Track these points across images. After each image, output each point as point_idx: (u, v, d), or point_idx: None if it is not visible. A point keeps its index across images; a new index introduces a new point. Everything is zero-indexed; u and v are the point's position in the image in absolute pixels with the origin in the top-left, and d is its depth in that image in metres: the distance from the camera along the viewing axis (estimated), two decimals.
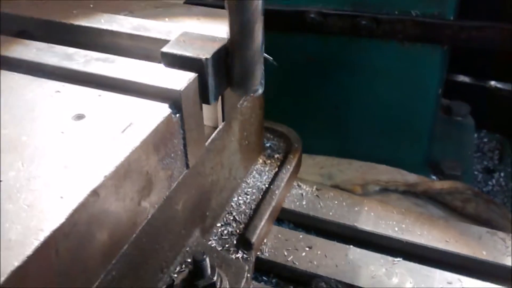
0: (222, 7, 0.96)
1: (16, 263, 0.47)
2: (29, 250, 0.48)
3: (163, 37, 0.80)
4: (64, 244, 0.52)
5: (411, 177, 1.41)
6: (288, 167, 1.03)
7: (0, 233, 0.50)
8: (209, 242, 0.89)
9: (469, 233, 0.97)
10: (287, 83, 1.42)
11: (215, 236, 0.91)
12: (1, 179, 0.56)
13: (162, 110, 0.67)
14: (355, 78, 1.38)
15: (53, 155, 0.59)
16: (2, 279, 0.46)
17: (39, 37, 0.84)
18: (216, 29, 0.84)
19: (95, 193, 0.55)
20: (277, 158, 1.08)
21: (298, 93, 1.47)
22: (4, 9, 0.89)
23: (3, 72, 0.75)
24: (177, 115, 0.69)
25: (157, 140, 0.65)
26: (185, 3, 1.36)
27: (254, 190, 1.00)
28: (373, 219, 0.99)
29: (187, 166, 0.75)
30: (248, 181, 1.02)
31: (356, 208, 1.01)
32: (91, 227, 0.56)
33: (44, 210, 0.53)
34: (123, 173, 0.59)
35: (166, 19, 0.89)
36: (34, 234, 0.50)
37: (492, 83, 1.75)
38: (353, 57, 1.35)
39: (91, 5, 0.94)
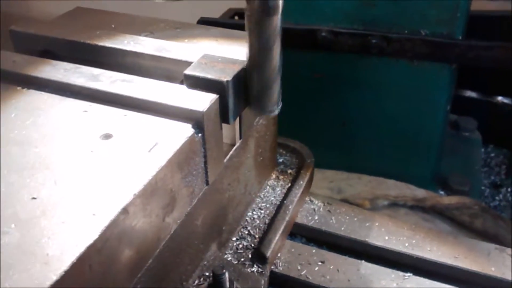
0: (235, 26, 1.00)
1: (54, 277, 0.50)
2: (65, 265, 0.51)
3: (184, 58, 0.84)
4: (96, 259, 0.55)
5: (420, 192, 1.43)
6: (301, 182, 1.06)
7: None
8: (225, 256, 0.92)
9: (478, 249, 0.99)
10: (297, 99, 1.45)
11: (230, 250, 0.93)
12: (36, 197, 0.59)
13: (185, 130, 0.70)
14: (364, 95, 1.41)
15: (84, 174, 0.63)
16: None
17: (62, 57, 0.88)
18: (234, 50, 0.87)
19: (125, 210, 0.58)
20: (290, 173, 1.11)
21: (308, 108, 1.50)
22: (29, 29, 0.93)
23: (32, 91, 0.78)
24: (199, 134, 0.72)
25: (181, 159, 0.68)
26: (198, 23, 1.41)
27: (268, 205, 1.03)
28: (384, 234, 1.02)
29: (207, 182, 0.78)
30: (262, 196, 1.05)
31: (367, 224, 1.04)
32: (121, 242, 0.59)
33: (78, 226, 0.56)
34: (150, 191, 0.62)
35: (186, 40, 0.93)
36: (70, 249, 0.53)
37: (499, 98, 1.77)
38: (363, 74, 1.38)
39: (113, 25, 0.98)
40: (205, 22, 1.41)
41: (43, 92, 0.78)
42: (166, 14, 1.04)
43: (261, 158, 1.01)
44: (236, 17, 1.69)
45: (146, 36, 0.93)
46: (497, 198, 1.63)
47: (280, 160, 1.14)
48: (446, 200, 1.43)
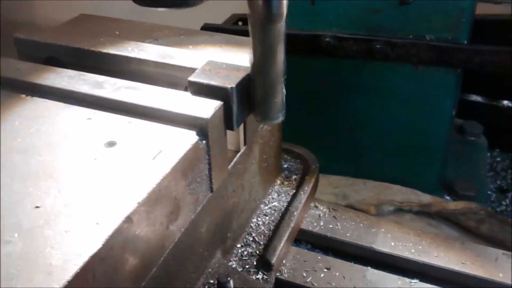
0: (240, 32, 0.99)
1: (58, 287, 0.50)
2: (69, 275, 0.51)
3: (188, 65, 0.83)
4: (100, 268, 0.55)
5: (425, 198, 1.42)
6: (306, 188, 1.06)
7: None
8: (230, 263, 0.91)
9: (485, 255, 0.99)
10: (301, 104, 1.45)
11: (235, 257, 0.93)
12: (39, 206, 0.59)
13: (190, 137, 0.70)
14: (369, 100, 1.40)
15: (87, 182, 0.62)
16: None
17: (66, 64, 0.88)
18: (238, 56, 0.87)
19: (129, 219, 0.58)
20: (295, 179, 1.11)
21: (312, 114, 1.49)
22: (33, 36, 0.93)
23: (36, 99, 0.78)
24: (204, 141, 0.71)
25: (185, 166, 0.68)
26: (202, 29, 1.41)
27: (272, 211, 1.02)
28: (390, 240, 1.01)
29: (211, 189, 0.77)
30: (267, 202, 1.04)
31: (373, 230, 1.03)
32: (124, 251, 0.59)
33: (81, 236, 0.55)
34: (154, 199, 0.62)
35: (190, 46, 0.93)
36: (73, 259, 0.52)
37: (505, 102, 1.76)
38: (367, 79, 1.37)
39: (117, 32, 0.98)
40: (209, 28, 1.41)
41: (47, 100, 0.78)
42: (169, 20, 1.04)
43: (266, 164, 1.01)
44: (240, 23, 1.69)
45: (150, 42, 0.93)
46: (503, 203, 1.62)
47: (285, 166, 1.14)
48: (452, 205, 1.42)
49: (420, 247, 1.00)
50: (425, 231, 1.07)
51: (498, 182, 1.69)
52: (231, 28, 1.54)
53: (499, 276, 0.94)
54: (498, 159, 1.76)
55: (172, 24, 1.03)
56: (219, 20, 1.64)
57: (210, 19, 1.49)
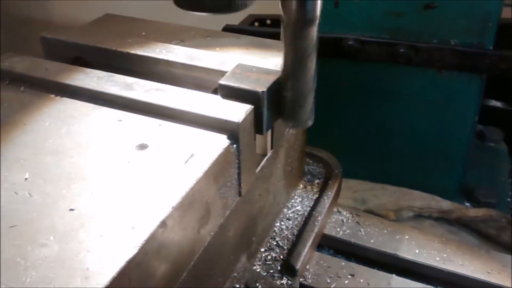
0: (262, 34, 0.99)
1: None
2: (106, 280, 0.50)
3: (216, 67, 0.83)
4: (136, 273, 0.54)
5: (445, 204, 1.41)
6: (329, 193, 1.05)
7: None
8: (254, 267, 0.90)
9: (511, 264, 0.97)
10: (322, 107, 1.43)
11: (259, 261, 0.92)
12: (73, 208, 0.58)
13: (221, 141, 0.69)
14: (390, 105, 1.39)
15: (121, 185, 0.62)
16: None
17: (93, 64, 0.88)
18: (265, 59, 0.87)
19: (163, 223, 0.57)
20: (317, 183, 1.10)
21: (333, 117, 1.48)
22: (59, 36, 0.93)
23: (66, 99, 0.78)
24: (234, 145, 0.71)
25: (217, 171, 0.67)
26: (223, 30, 1.40)
27: (296, 215, 1.02)
28: (414, 247, 1.00)
29: (240, 194, 0.77)
30: (290, 207, 1.04)
31: (397, 236, 1.02)
32: (159, 256, 0.58)
33: (116, 240, 0.55)
34: (187, 203, 0.62)
35: (217, 48, 0.92)
36: (110, 263, 0.52)
37: None
38: (390, 83, 1.36)
39: (143, 33, 0.98)
40: (230, 29, 1.40)
41: (76, 100, 0.77)
42: (186, 20, 1.03)
43: (290, 168, 1.00)
44: (256, 23, 1.69)
45: (176, 44, 0.93)
46: None
47: (307, 170, 1.13)
48: (473, 212, 1.40)
49: (445, 255, 0.98)
50: (449, 239, 1.06)
51: None
52: (253, 30, 1.53)
53: None
54: None
55: (189, 24, 1.02)
56: (234, 20, 1.62)
57: (226, 20, 1.47)
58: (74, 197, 0.60)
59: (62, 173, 0.64)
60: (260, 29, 1.55)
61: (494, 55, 1.22)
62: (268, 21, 1.71)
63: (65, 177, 0.63)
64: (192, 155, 0.66)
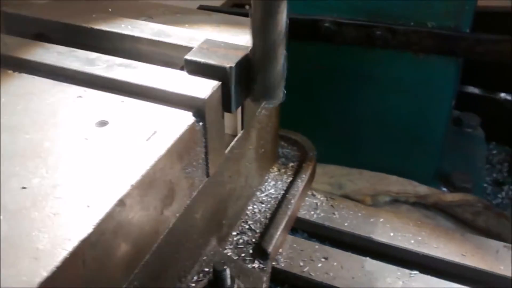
0: (237, 14, 0.96)
1: (45, 274, 0.46)
2: (57, 260, 0.47)
3: (184, 43, 0.80)
4: (90, 254, 0.51)
5: (422, 189, 1.40)
6: (304, 176, 1.03)
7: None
8: (225, 251, 0.88)
9: (486, 247, 0.97)
10: (298, 91, 1.41)
11: (230, 245, 0.90)
12: (26, 186, 0.55)
13: (186, 118, 0.66)
14: (367, 88, 1.37)
15: (77, 162, 0.59)
16: None
17: (57, 40, 0.84)
18: (237, 36, 0.83)
19: (121, 202, 0.54)
20: (292, 166, 1.08)
21: (309, 101, 1.46)
22: (21, 11, 0.89)
23: (24, 75, 0.74)
24: (200, 123, 0.68)
25: (181, 149, 0.64)
26: (198, 8, 1.36)
27: (269, 199, 0.99)
28: (389, 230, 0.99)
29: (208, 174, 0.74)
30: (263, 190, 1.01)
31: (372, 219, 1.00)
32: (116, 236, 0.55)
33: (70, 219, 0.52)
34: (148, 182, 0.59)
35: (186, 25, 0.89)
36: (62, 243, 0.49)
37: (502, 95, 1.74)
38: (367, 67, 1.34)
39: (109, 9, 0.94)
40: (204, 9, 1.36)
41: (35, 76, 0.74)
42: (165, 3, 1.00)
43: (263, 150, 0.98)
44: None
45: (144, 20, 0.89)
46: (499, 196, 1.60)
47: (281, 153, 1.11)
48: (449, 197, 1.39)
49: (420, 238, 0.97)
50: (424, 222, 1.05)
51: (494, 175, 1.68)
52: (228, 11, 1.49)
53: (500, 269, 0.93)
54: (495, 151, 1.75)
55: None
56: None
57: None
58: (28, 175, 0.57)
59: (16, 150, 0.60)
60: (235, 10, 1.52)
61: (470, 38, 1.20)
62: (247, 7, 1.68)
63: (19, 155, 0.60)
64: (154, 132, 0.63)
